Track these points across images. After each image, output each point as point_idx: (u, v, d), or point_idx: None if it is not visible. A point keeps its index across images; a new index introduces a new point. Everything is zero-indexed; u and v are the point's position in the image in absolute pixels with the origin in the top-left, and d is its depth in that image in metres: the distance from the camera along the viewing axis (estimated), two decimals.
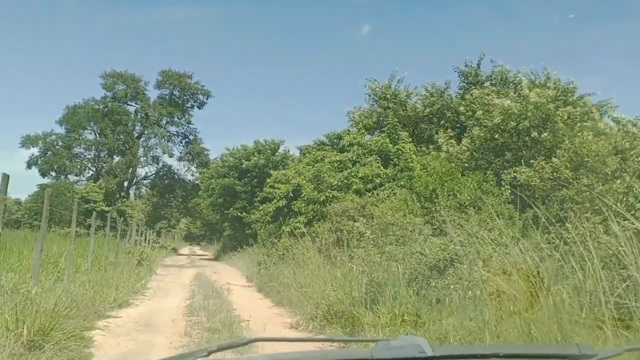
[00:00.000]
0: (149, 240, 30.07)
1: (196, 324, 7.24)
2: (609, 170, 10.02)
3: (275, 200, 21.33)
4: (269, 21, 79.08)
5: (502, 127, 13.09)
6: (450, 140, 14.52)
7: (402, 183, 13.88)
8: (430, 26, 70.82)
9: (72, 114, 36.27)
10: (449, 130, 17.37)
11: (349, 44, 73.91)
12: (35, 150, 36.14)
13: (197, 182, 36.98)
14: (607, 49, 67.36)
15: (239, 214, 29.18)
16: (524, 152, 12.69)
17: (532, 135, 12.50)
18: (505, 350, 1.23)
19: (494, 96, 13.98)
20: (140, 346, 5.88)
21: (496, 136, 12.99)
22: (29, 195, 35.77)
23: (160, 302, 9.80)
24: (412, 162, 15.11)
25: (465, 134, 14.30)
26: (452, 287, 5.27)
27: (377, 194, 13.81)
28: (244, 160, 28.67)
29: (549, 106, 12.58)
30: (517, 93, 14.55)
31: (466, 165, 13.11)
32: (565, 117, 13.13)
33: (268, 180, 23.77)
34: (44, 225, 9.66)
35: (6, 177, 6.67)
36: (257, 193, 27.12)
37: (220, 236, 39.68)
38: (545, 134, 12.36)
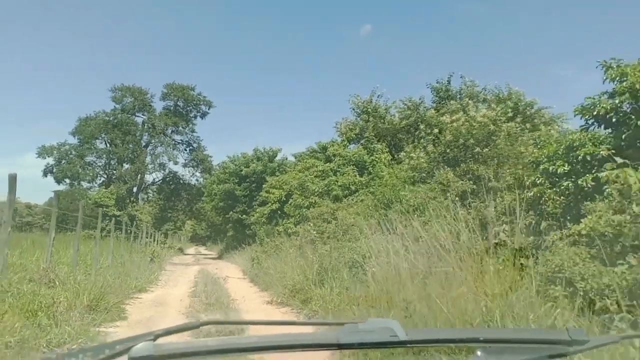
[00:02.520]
0: (157, 241, 32.73)
1: (198, 301, 9.81)
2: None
3: (270, 204, 24.04)
4: (270, 29, 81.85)
5: (453, 143, 15.61)
6: (411, 154, 17.03)
7: (372, 190, 16.42)
8: (417, 40, 73.48)
9: (85, 125, 39.05)
10: (422, 140, 19.87)
11: (349, 49, 76.56)
12: (50, 160, 38.92)
13: (201, 187, 39.61)
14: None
15: (240, 216, 31.85)
16: (471, 164, 15.19)
17: (476, 150, 15.01)
18: (486, 335, 1.16)
19: (448, 117, 16.49)
20: (157, 313, 8.48)
21: (447, 150, 15.50)
22: (45, 202, 38.50)
23: (170, 289, 12.40)
24: (382, 172, 17.65)
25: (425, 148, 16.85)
26: (369, 270, 7.77)
27: (352, 200, 16.37)
28: (243, 167, 31.33)
29: (490, 126, 15.07)
30: (466, 113, 17.06)
31: (424, 175, 15.63)
32: (507, 133, 15.64)
33: (264, 185, 26.41)
34: (79, 230, 12.33)
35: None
36: (256, 197, 29.76)
37: (224, 237, 42.34)
38: (487, 149, 14.86)
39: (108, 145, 39.60)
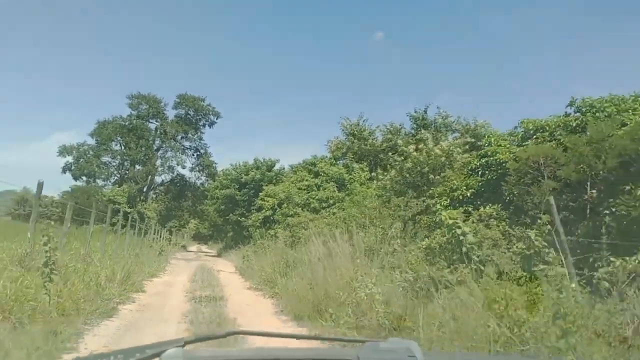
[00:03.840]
0: (163, 237, 36.14)
1: (195, 285, 13.16)
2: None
3: (264, 210, 27.41)
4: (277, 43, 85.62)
5: (412, 170, 18.91)
6: (379, 176, 20.29)
7: (346, 205, 19.74)
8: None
9: (102, 128, 42.69)
10: (391, 164, 23.15)
11: (352, 59, 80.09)
12: (69, 158, 42.56)
13: (205, 190, 43.11)
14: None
15: (239, 219, 35.20)
16: (425, 187, 18.48)
17: (429, 177, 18.29)
18: None
19: (412, 147, 19.79)
20: (166, 289, 11.84)
21: (406, 175, 18.79)
22: (60, 193, 41.87)
23: (175, 277, 15.77)
24: (356, 189, 20.98)
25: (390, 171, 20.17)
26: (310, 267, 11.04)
27: (328, 212, 19.68)
28: (243, 175, 34.73)
29: (442, 158, 18.35)
30: (425, 145, 20.32)
31: (387, 194, 18.92)
32: (461, 163, 18.89)
33: (261, 194, 29.78)
34: (107, 224, 15.74)
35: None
36: (254, 202, 33.11)
37: (224, 236, 45.78)
38: (438, 177, 18.14)
39: (123, 147, 43.19)
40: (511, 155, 8.98)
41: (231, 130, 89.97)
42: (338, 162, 26.58)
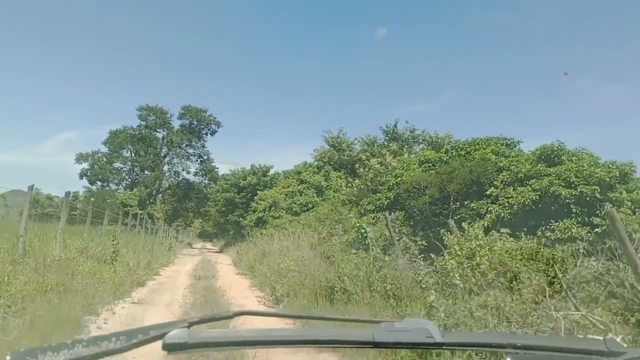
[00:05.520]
0: (170, 236, 40.65)
1: (198, 272, 17.54)
2: None
3: (257, 212, 31.82)
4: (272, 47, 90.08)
5: (374, 179, 23.21)
6: (348, 185, 24.61)
7: (318, 209, 24.04)
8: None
9: (115, 137, 47.28)
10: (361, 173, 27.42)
11: (353, 63, 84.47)
12: (85, 165, 47.18)
13: (207, 193, 47.67)
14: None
15: (237, 219, 39.64)
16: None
17: (388, 185, 22.59)
18: (523, 341, 1.14)
19: (375, 161, 24.11)
20: (175, 274, 16.27)
21: (369, 184, 23.10)
22: (73, 194, 46.29)
23: (182, 267, 20.20)
24: (330, 195, 25.30)
25: (356, 180, 24.50)
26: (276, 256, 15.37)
27: (306, 215, 24.01)
28: (241, 180, 39.17)
29: (400, 170, 22.65)
30: (384, 159, 24.61)
31: (352, 199, 23.23)
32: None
33: (256, 197, 34.19)
34: (129, 225, 20.17)
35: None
36: (250, 205, 37.56)
37: (226, 235, 50.38)
38: None
39: (133, 154, 47.79)
40: (408, 178, 13.31)
41: (234, 129, 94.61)
42: (321, 169, 30.93)
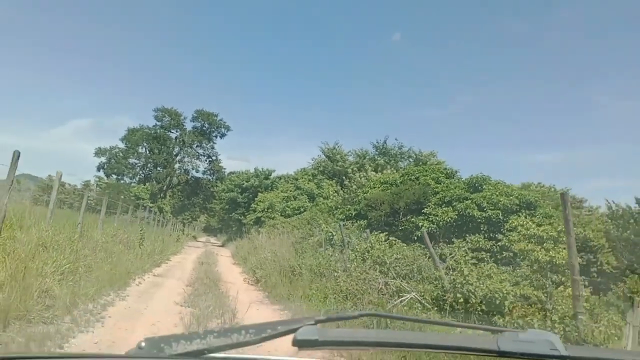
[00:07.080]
0: (177, 229, 44.40)
1: (201, 260, 21.17)
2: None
3: (256, 212, 35.49)
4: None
5: (358, 191, 26.76)
6: (334, 194, 28.12)
7: (307, 213, 27.60)
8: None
9: (131, 134, 51.21)
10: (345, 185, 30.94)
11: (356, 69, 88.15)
12: (103, 159, 51.16)
13: (214, 191, 51.50)
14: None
15: (239, 217, 43.38)
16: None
17: (358, 199, 26.09)
18: None
19: (361, 174, 27.63)
20: (183, 261, 19.94)
21: (352, 195, 26.63)
22: (84, 182, 50.24)
23: (188, 255, 23.87)
24: (319, 202, 28.84)
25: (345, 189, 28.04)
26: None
27: (298, 217, 27.58)
28: (244, 182, 42.91)
29: (366, 188, 26.18)
30: (367, 173, 28.09)
31: (338, 207, 26.76)
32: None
33: (256, 199, 37.88)
34: (145, 217, 23.90)
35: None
36: (251, 205, 41.28)
37: (229, 230, 54.23)
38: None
39: (147, 151, 51.70)
40: (370, 195, 16.87)
41: (246, 127, 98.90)
42: (316, 177, 34.53)
